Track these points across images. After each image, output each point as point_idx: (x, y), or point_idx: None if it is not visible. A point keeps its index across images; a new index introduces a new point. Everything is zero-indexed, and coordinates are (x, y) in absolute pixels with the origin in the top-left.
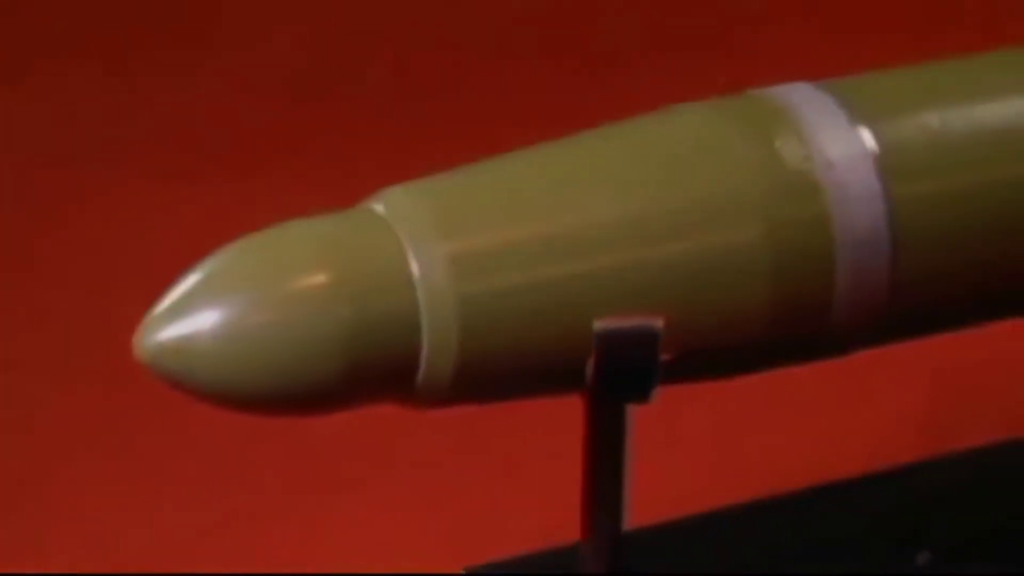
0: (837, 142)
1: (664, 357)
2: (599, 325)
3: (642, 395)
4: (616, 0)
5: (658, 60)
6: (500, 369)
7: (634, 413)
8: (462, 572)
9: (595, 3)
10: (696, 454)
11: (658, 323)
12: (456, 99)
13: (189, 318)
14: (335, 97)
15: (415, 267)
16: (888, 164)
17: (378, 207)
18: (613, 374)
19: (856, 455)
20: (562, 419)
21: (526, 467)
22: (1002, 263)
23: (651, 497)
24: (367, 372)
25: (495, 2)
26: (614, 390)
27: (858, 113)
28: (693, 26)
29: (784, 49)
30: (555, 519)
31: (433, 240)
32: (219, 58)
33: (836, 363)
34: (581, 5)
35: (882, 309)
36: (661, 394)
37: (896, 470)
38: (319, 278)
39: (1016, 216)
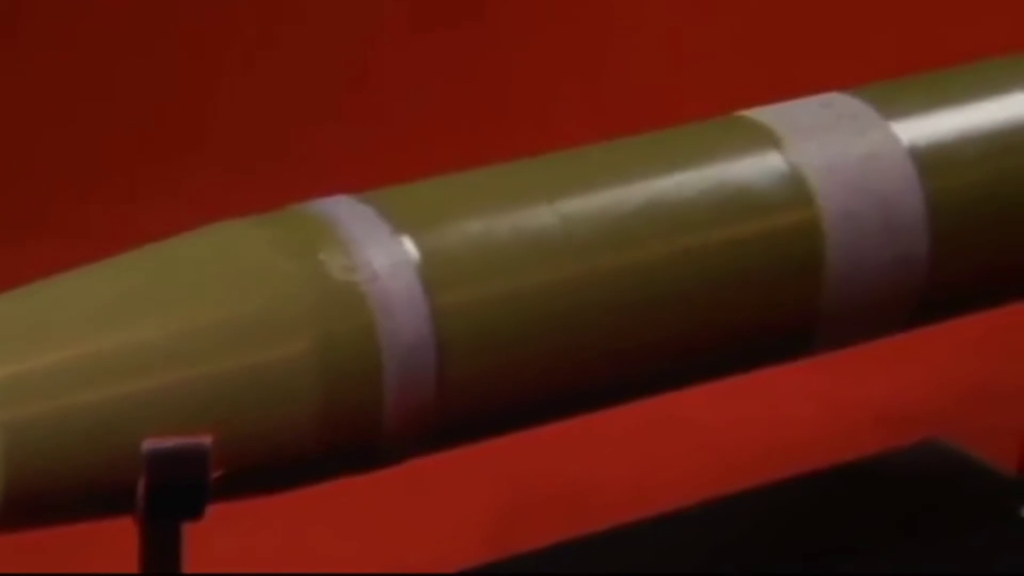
0: (380, 252)
1: (215, 474)
2: (147, 445)
3: (195, 513)
4: (156, 117)
5: (198, 180)
6: (51, 495)
7: (188, 531)
8: None
9: (136, 123)
10: (258, 569)
11: (207, 441)
12: None
13: None
14: None
15: None
16: (430, 272)
17: None
18: (163, 493)
19: (420, 562)
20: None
21: None
22: (552, 364)
23: None
24: None
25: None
26: (165, 509)
27: (400, 223)
28: (234, 142)
29: (327, 162)
30: None
31: None
32: None
33: (399, 470)
34: (127, 129)
35: (433, 416)
36: (219, 510)
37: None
38: None
39: (555, 322)
